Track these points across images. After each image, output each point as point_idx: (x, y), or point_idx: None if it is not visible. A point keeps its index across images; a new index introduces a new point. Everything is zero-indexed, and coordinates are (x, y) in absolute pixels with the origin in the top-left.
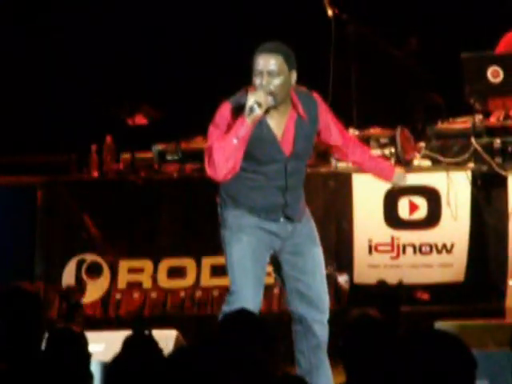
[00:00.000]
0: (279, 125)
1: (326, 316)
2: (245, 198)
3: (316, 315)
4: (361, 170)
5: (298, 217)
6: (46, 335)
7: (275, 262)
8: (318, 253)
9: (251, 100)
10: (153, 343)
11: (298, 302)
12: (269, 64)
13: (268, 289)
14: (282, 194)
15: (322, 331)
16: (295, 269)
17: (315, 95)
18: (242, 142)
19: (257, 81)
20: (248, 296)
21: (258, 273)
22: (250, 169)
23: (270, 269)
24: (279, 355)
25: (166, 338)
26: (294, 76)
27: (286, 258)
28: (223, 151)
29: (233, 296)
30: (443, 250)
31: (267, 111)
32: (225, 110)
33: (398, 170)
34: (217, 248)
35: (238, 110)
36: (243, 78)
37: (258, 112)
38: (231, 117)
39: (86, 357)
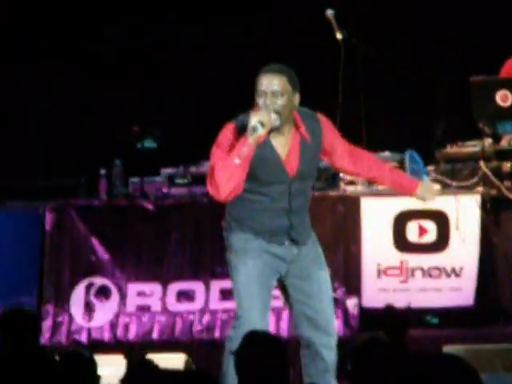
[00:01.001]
0: (283, 145)
1: (334, 339)
2: (250, 221)
3: (323, 339)
4: (381, 184)
5: (304, 239)
6: (57, 358)
7: (282, 286)
8: (325, 276)
9: (254, 120)
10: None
11: (305, 326)
12: (272, 84)
13: (277, 312)
14: (287, 216)
15: (329, 355)
16: (302, 293)
17: (319, 116)
18: (245, 161)
19: (260, 101)
20: (255, 320)
21: (264, 297)
22: (254, 190)
23: (278, 292)
24: (289, 378)
25: (174, 363)
26: (297, 97)
27: (292, 282)
28: (225, 171)
29: (239, 320)
30: (452, 273)
31: (270, 132)
32: (228, 131)
33: (425, 184)
34: (225, 271)
35: (242, 131)
36: (252, 101)
37: (261, 132)
38: (234, 137)
39: (96, 379)
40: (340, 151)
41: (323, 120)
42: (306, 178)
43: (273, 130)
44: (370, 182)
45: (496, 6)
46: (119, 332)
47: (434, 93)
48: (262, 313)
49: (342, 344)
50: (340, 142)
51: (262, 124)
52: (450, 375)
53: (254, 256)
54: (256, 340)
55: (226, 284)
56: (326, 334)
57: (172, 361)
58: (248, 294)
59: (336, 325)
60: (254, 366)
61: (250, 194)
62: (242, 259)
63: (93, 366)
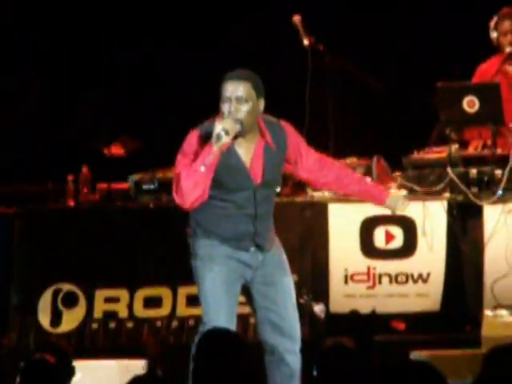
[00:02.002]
0: (247, 152)
1: (299, 345)
2: (215, 227)
3: (288, 345)
4: (350, 194)
5: (268, 246)
6: (22, 365)
7: (247, 293)
8: (289, 282)
9: (218, 127)
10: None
11: (269, 332)
12: (237, 90)
13: (244, 318)
14: (252, 222)
15: (294, 361)
16: (266, 299)
17: (283, 123)
18: (210, 169)
19: (224, 107)
20: (221, 325)
21: (230, 302)
22: (219, 197)
23: (243, 298)
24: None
25: (141, 368)
26: (261, 103)
27: (257, 289)
28: (191, 179)
29: (205, 326)
30: (419, 279)
31: (235, 138)
32: (193, 138)
33: (395, 194)
34: (193, 277)
35: (206, 138)
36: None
37: (226, 139)
38: (199, 144)
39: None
40: (305, 159)
41: (287, 127)
42: (270, 184)
43: (237, 137)
44: (339, 193)
45: (463, 13)
46: (86, 338)
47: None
48: (229, 319)
49: (308, 349)
50: (305, 149)
51: (227, 132)
52: (416, 381)
53: (219, 262)
54: (215, 334)
55: (193, 290)
56: (291, 339)
57: (139, 367)
58: (214, 301)
59: (300, 331)
60: (213, 361)
61: (214, 200)
62: (209, 265)
63: (61, 372)
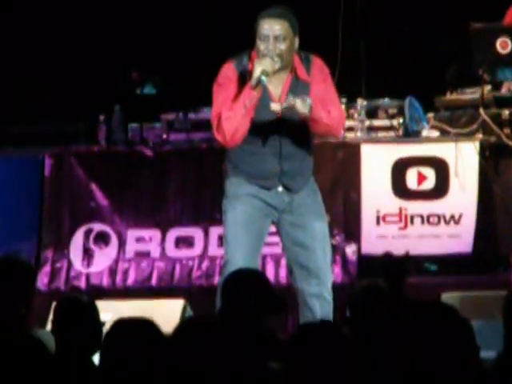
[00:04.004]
0: (277, 87)
1: (327, 290)
2: (243, 164)
3: (313, 288)
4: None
5: (297, 187)
6: (54, 304)
7: (278, 234)
8: (321, 227)
9: (258, 70)
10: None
11: (296, 274)
12: (275, 29)
13: (276, 258)
14: (278, 161)
15: (318, 305)
16: (294, 241)
17: (313, 57)
18: (250, 110)
19: (262, 45)
20: (239, 266)
21: (251, 242)
22: (249, 133)
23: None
24: (285, 317)
25: (172, 308)
26: (297, 40)
27: (285, 230)
28: (232, 120)
29: (226, 267)
30: (451, 220)
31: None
32: (228, 70)
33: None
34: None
35: (241, 73)
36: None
37: (265, 82)
38: (234, 77)
39: (99, 325)
40: (315, 92)
41: (315, 61)
42: (295, 118)
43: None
44: None
45: None
46: (118, 278)
47: (435, 41)
48: (248, 259)
49: (340, 290)
50: (321, 85)
51: (267, 74)
52: (443, 325)
53: (243, 201)
54: (237, 274)
55: None
56: (318, 283)
57: (170, 307)
58: (233, 240)
59: (330, 276)
60: (235, 297)
61: (246, 136)
62: (232, 203)
63: (94, 311)
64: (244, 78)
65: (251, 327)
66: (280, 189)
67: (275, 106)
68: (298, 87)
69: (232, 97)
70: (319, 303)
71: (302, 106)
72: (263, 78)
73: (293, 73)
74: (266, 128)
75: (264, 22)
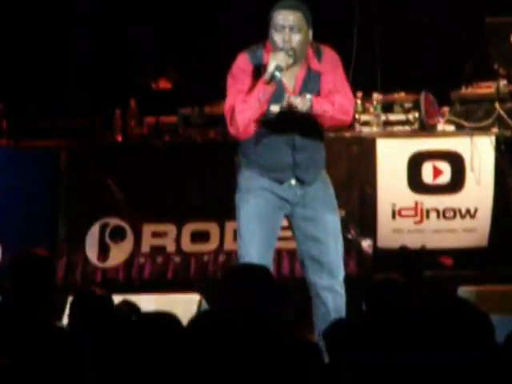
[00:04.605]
0: (291, 79)
1: (339, 283)
2: (256, 156)
3: (326, 281)
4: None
5: (310, 179)
6: (70, 299)
7: (291, 228)
8: (333, 221)
9: (272, 65)
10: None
11: (309, 267)
12: (289, 20)
13: (291, 253)
14: (291, 153)
15: (332, 298)
16: (306, 235)
17: (324, 47)
18: (264, 104)
19: (276, 36)
20: (253, 261)
21: (264, 236)
22: (262, 124)
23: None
24: (289, 313)
25: (189, 302)
26: (311, 32)
27: (297, 224)
28: (245, 113)
29: (240, 261)
30: (467, 214)
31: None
32: (242, 62)
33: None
34: None
35: (256, 65)
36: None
37: (279, 77)
38: (248, 70)
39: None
40: (325, 82)
41: (326, 51)
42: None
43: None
44: None
45: None
46: (134, 273)
47: (449, 36)
48: (262, 253)
49: (356, 284)
50: (331, 75)
51: (281, 69)
52: (463, 320)
53: (256, 195)
54: (242, 270)
55: None
56: (330, 276)
57: (186, 301)
58: (247, 234)
59: (342, 269)
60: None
61: (258, 128)
62: (245, 197)
63: (110, 305)
64: (258, 70)
65: (256, 321)
66: (293, 182)
67: (274, 108)
68: (310, 79)
69: (246, 89)
70: (331, 296)
71: (301, 103)
72: (277, 73)
73: (306, 65)
74: (279, 120)
75: (279, 13)
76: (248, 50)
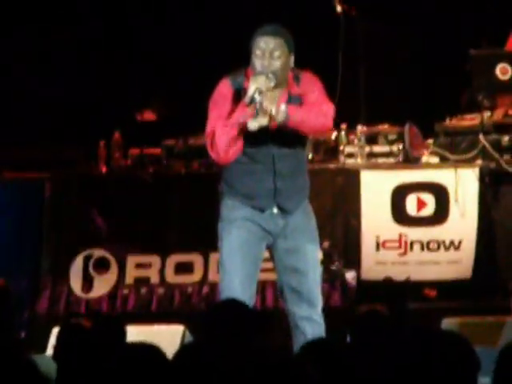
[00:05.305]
0: (272, 104)
1: (317, 312)
2: (237, 183)
3: (304, 311)
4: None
5: (292, 207)
6: (57, 330)
7: (272, 258)
8: (313, 250)
9: (252, 88)
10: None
11: (288, 298)
12: (270, 46)
13: (275, 284)
14: (272, 179)
15: (310, 327)
16: (288, 267)
17: (303, 72)
18: (244, 127)
19: (257, 62)
20: (236, 293)
21: (247, 268)
22: (243, 151)
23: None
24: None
25: (173, 334)
26: (292, 58)
27: (279, 256)
28: (225, 137)
29: (223, 294)
30: (451, 246)
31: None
32: (223, 87)
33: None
34: None
35: (237, 90)
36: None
37: (259, 100)
38: (229, 94)
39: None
40: (306, 103)
41: (304, 75)
42: (288, 136)
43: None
44: None
45: None
46: (118, 304)
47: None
48: (245, 285)
49: (340, 315)
50: (311, 94)
51: (260, 92)
52: (447, 352)
53: (238, 225)
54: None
55: None
56: (309, 306)
57: (170, 332)
58: (230, 266)
59: (321, 300)
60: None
61: (239, 154)
62: (228, 228)
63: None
64: (239, 94)
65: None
66: (275, 210)
67: (252, 125)
68: (292, 104)
69: (226, 114)
70: (309, 325)
71: (276, 113)
72: (256, 96)
73: (288, 90)
74: (259, 144)
75: (260, 39)
76: (230, 76)
